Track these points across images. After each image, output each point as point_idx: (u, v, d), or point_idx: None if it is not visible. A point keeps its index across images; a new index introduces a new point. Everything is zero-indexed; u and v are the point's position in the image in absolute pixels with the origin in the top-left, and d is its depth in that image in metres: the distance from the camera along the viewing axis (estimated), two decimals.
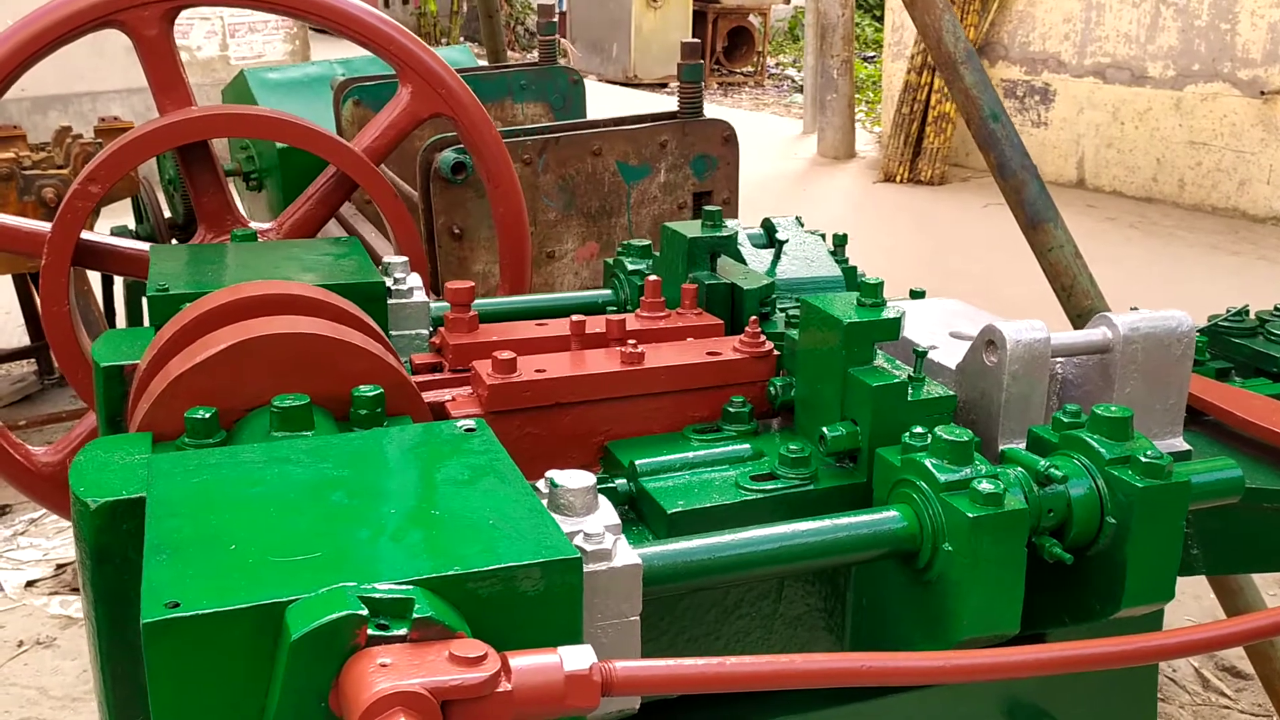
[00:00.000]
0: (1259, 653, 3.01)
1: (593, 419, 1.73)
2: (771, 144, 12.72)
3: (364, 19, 2.51)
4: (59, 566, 3.90)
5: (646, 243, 2.42)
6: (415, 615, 1.01)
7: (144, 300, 5.74)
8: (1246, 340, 2.25)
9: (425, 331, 2.14)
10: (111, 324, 4.87)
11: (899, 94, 10.77)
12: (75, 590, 3.76)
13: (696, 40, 3.97)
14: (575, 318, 1.86)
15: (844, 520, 1.44)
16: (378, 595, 1.02)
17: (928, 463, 1.44)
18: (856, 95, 12.14)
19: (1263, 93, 8.46)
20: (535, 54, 5.46)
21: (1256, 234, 8.51)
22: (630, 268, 2.36)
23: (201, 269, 2.08)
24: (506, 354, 1.69)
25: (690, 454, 1.68)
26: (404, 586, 1.04)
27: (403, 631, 1.01)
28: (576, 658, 1.03)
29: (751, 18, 19.74)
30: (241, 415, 1.56)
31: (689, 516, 1.53)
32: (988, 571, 1.40)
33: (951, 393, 1.62)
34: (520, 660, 1.01)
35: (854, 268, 2.44)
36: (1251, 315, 2.33)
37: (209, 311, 1.67)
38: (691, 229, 2.17)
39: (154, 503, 1.19)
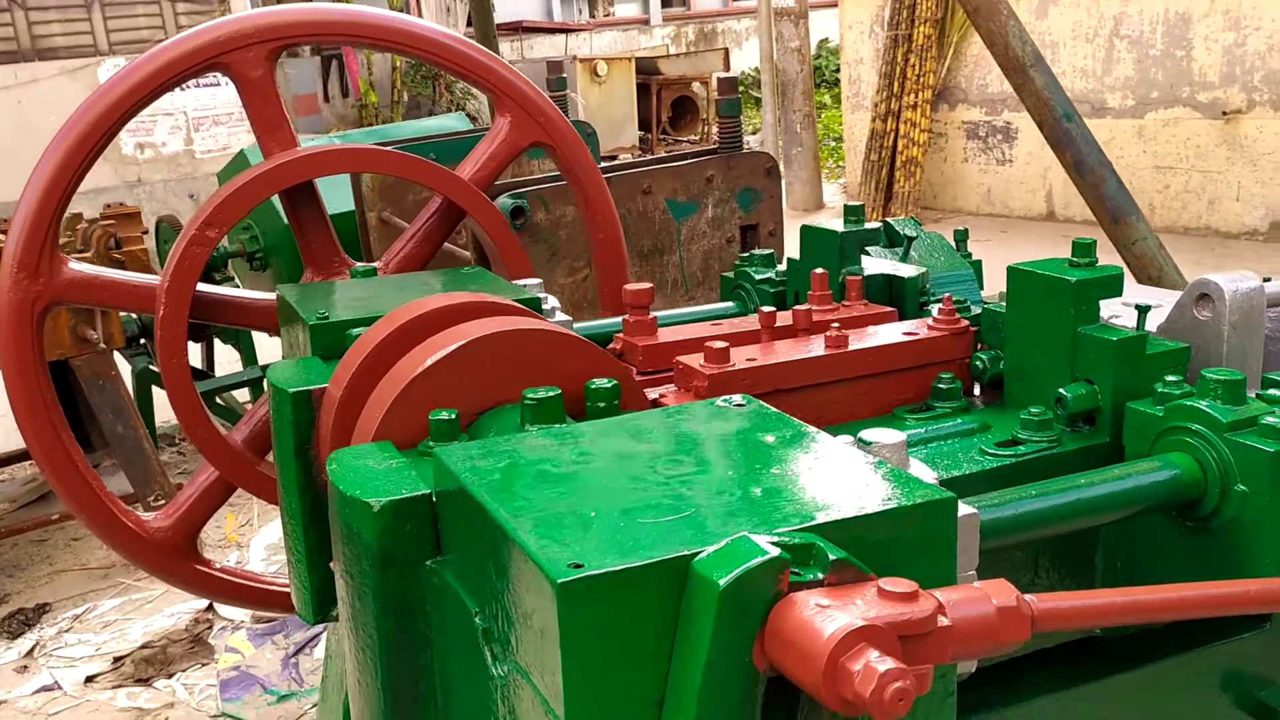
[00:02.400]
0: None
1: (807, 405, 1.68)
2: None
3: (461, 49, 2.48)
4: (116, 659, 3.72)
5: (769, 252, 2.39)
6: (831, 557, 0.95)
7: (154, 388, 5.56)
8: None
9: None
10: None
11: (865, 142, 10.97)
12: (140, 681, 3.58)
13: (734, 75, 4.00)
14: (764, 309, 1.82)
15: (1137, 469, 1.40)
16: (782, 542, 0.96)
17: (1202, 405, 1.41)
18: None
19: (1224, 113, 8.75)
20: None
21: (1232, 250, 8.73)
22: (758, 277, 2.33)
23: (347, 299, 2.01)
24: (720, 344, 1.64)
25: (918, 431, 1.63)
26: (799, 534, 0.98)
27: (819, 576, 0.94)
28: (1000, 591, 0.97)
29: (694, 86, 20.07)
30: (472, 419, 1.49)
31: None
32: None
33: (1185, 345, 1.60)
34: (948, 594, 0.95)
35: (979, 261, 2.43)
36: None
37: (410, 323, 1.60)
38: (838, 225, 2.15)
39: (478, 486, 1.11)
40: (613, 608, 0.93)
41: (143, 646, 3.76)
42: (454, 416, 1.40)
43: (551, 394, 1.39)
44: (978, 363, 1.76)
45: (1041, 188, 10.24)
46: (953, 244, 2.47)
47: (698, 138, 20.60)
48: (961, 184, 10.98)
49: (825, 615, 0.89)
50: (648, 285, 1.87)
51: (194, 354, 6.29)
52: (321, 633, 3.74)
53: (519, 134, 2.55)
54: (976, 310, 1.87)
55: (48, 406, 2.27)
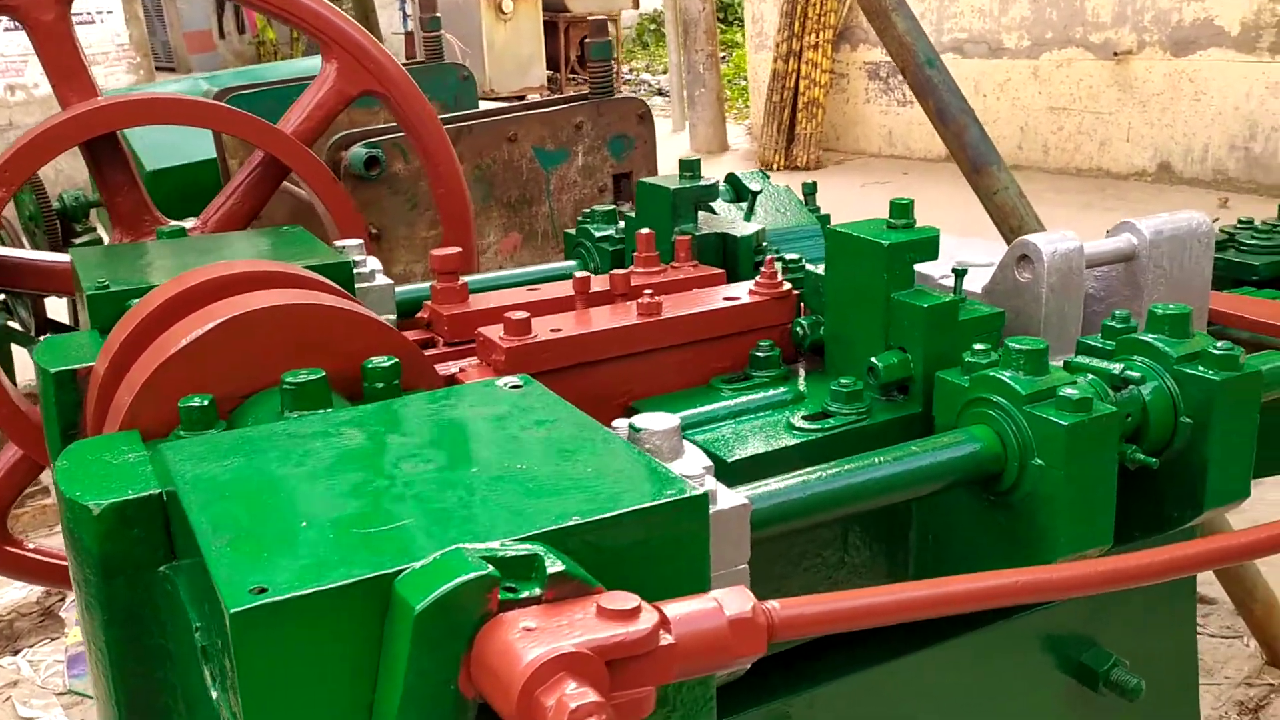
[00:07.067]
0: (1230, 575, 3.05)
1: (616, 377, 1.60)
2: None
3: None
4: None
5: (611, 208, 2.29)
6: (549, 571, 0.86)
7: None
8: (1219, 254, 2.25)
9: (392, 316, 1.97)
10: None
11: (767, 83, 10.87)
12: None
13: (603, 17, 3.86)
14: (578, 274, 1.72)
15: (932, 445, 1.34)
16: (498, 555, 0.87)
17: (1004, 376, 1.35)
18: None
19: (1115, 54, 8.82)
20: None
21: (1123, 190, 8.85)
22: (598, 235, 2.23)
23: (138, 265, 1.87)
24: (520, 314, 1.54)
25: (729, 403, 1.56)
26: (522, 544, 0.89)
27: (536, 592, 0.86)
28: (734, 600, 0.90)
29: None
30: (237, 404, 1.37)
31: (749, 464, 1.41)
32: (1083, 483, 1.32)
33: (999, 309, 1.54)
34: (675, 609, 0.88)
35: (827, 215, 2.37)
36: (1216, 230, 2.34)
37: (177, 296, 1.48)
38: (671, 182, 2.06)
39: (188, 489, 1.00)
40: (299, 637, 0.83)
41: None
42: (207, 403, 1.28)
43: (313, 377, 1.28)
44: (798, 329, 1.69)
45: None
46: (801, 197, 2.40)
47: None
48: (864, 125, 10.96)
49: (528, 640, 0.81)
50: (456, 250, 1.76)
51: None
52: None
53: (347, 82, 2.40)
54: (817, 269, 1.80)
55: None
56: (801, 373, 1.70)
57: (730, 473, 1.40)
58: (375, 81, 2.41)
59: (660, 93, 17.49)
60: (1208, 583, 3.37)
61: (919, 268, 1.68)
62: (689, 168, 2.07)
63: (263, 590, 0.83)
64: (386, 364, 1.37)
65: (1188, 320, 1.45)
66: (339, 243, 2.00)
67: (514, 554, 0.88)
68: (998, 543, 1.41)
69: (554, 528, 0.92)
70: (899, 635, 1.65)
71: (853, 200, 9.38)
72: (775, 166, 10.56)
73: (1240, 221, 2.35)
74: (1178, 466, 1.44)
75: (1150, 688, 1.76)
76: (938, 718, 1.68)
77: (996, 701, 1.72)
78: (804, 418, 1.49)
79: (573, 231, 2.33)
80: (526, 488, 0.99)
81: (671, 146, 12.47)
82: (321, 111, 2.38)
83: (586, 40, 3.87)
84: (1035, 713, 1.80)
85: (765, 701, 1.51)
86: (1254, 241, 2.21)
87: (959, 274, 1.56)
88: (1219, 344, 1.41)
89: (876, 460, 1.31)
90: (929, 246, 1.53)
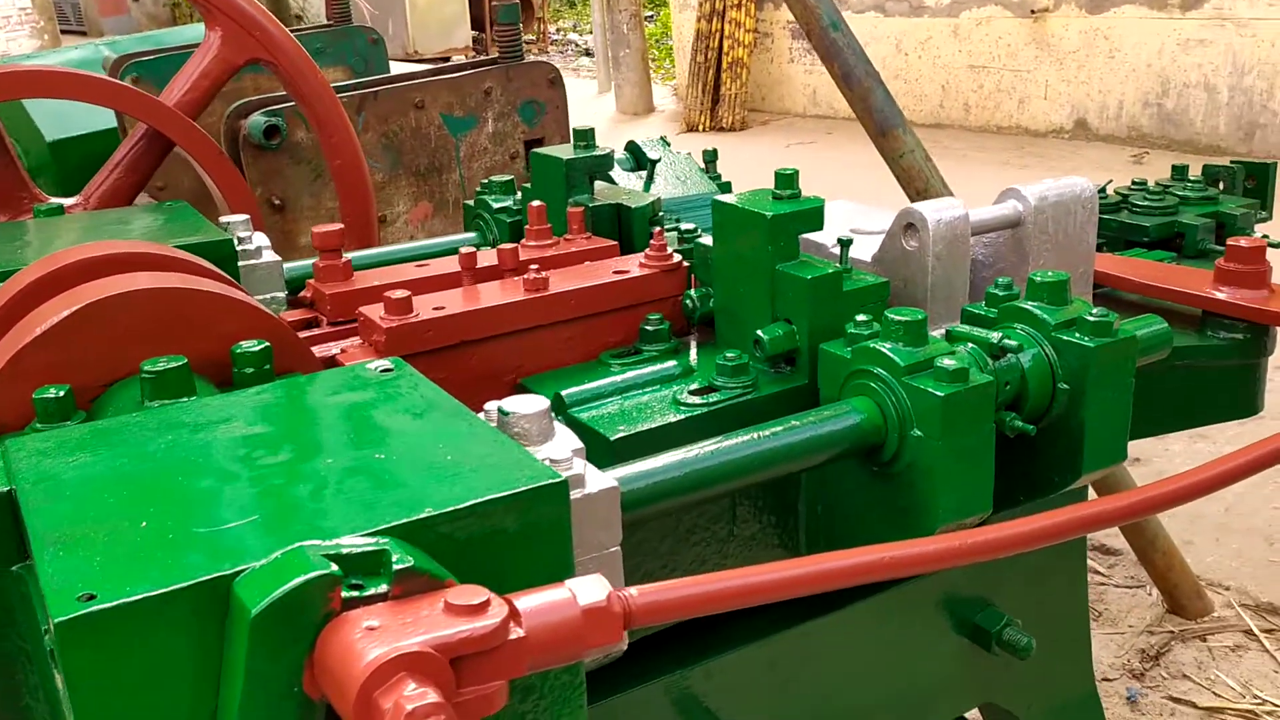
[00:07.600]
0: (1133, 528, 3.13)
1: (502, 355, 1.57)
2: (570, 106, 12.55)
3: None
4: None
5: (509, 178, 2.25)
6: (396, 567, 0.84)
7: None
8: (1112, 215, 2.27)
9: (281, 294, 1.93)
10: None
11: (691, 43, 10.80)
12: None
13: None
14: (464, 250, 1.69)
15: (813, 418, 1.34)
16: (344, 551, 0.85)
17: (884, 348, 1.35)
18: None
19: (1033, 12, 8.90)
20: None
21: (1040, 147, 8.97)
22: (496, 206, 2.19)
23: (9, 246, 1.79)
24: (400, 293, 1.50)
25: (616, 378, 1.54)
26: (370, 539, 0.87)
27: (382, 589, 0.84)
28: (589, 589, 0.89)
29: None
30: (99, 392, 1.33)
31: (633, 441, 1.40)
32: (961, 453, 1.32)
33: (884, 279, 1.54)
34: (527, 600, 0.86)
35: (729, 183, 2.35)
36: (1110, 192, 2.37)
37: (39, 280, 1.42)
38: (565, 152, 2.02)
39: (28, 490, 0.96)
40: (131, 645, 0.80)
41: None
42: (63, 394, 1.24)
43: (174, 364, 1.24)
44: (688, 302, 1.67)
45: None
46: (702, 165, 2.38)
47: (534, 37, 19.97)
48: (788, 85, 10.96)
49: (370, 641, 0.79)
50: (336, 227, 1.72)
51: None
52: None
53: (232, 50, 2.32)
54: (708, 240, 1.78)
55: None
56: (693, 346, 1.69)
57: (613, 451, 1.39)
58: (262, 49, 2.33)
59: (588, 53, 17.32)
60: (1113, 535, 3.45)
61: (811, 237, 1.67)
62: (583, 137, 2.04)
63: (91, 597, 0.80)
64: (256, 348, 1.33)
65: (1065, 287, 1.46)
66: (224, 218, 1.95)
67: (360, 550, 0.85)
68: (882, 513, 1.42)
69: (406, 520, 0.89)
70: (795, 602, 1.66)
71: (779, 160, 9.39)
72: (701, 127, 10.52)
73: (1134, 183, 2.37)
74: (1056, 432, 1.46)
75: (1042, 645, 1.80)
76: (835, 683, 1.70)
77: (893, 666, 1.75)
78: (690, 392, 1.48)
79: (471, 203, 2.29)
80: (381, 479, 0.96)
81: (597, 108, 12.38)
82: (207, 81, 2.30)
83: (493, 4, 3.80)
84: (932, 675, 1.82)
85: (660, 675, 1.51)
86: (1145, 203, 2.24)
87: (844, 244, 1.56)
88: (1095, 310, 1.43)
89: (755, 435, 1.30)
90: (813, 217, 1.52)
